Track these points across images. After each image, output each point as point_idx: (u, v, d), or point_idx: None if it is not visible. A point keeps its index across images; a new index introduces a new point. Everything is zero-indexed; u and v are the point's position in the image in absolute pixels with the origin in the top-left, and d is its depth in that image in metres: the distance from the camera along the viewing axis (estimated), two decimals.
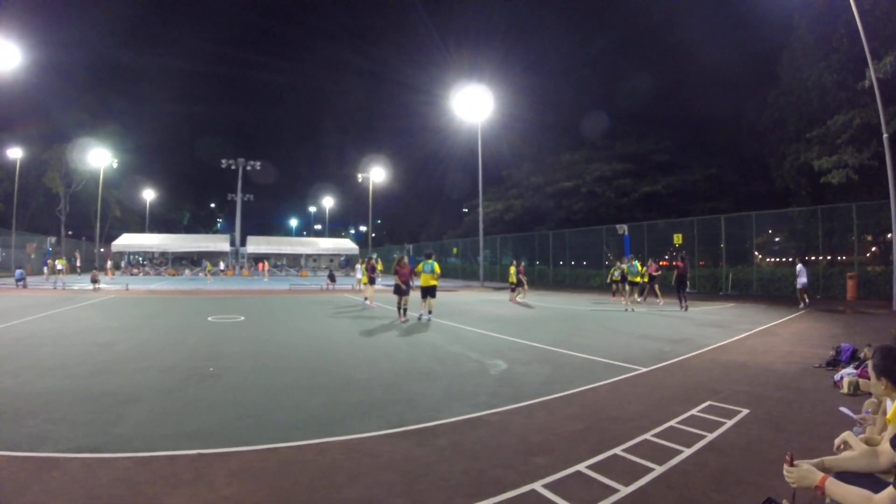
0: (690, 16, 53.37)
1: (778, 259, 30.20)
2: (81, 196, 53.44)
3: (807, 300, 18.11)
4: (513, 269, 21.11)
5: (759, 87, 33.06)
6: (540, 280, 36.19)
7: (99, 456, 3.93)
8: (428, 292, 13.98)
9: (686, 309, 16.63)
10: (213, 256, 51.94)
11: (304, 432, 4.58)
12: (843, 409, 5.04)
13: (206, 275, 39.79)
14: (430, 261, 14.33)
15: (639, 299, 20.93)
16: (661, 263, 18.15)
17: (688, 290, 17.89)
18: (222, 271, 44.38)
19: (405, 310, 13.77)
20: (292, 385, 6.42)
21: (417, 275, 14.48)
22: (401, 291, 13.78)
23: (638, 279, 18.07)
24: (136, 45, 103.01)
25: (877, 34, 19.93)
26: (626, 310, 16.61)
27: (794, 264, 21.06)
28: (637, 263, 18.79)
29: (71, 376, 6.57)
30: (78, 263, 36.23)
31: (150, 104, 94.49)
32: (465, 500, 3.31)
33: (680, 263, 18.23)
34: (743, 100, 36.42)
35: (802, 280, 18.28)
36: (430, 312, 13.86)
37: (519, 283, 20.57)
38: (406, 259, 14.99)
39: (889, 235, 18.51)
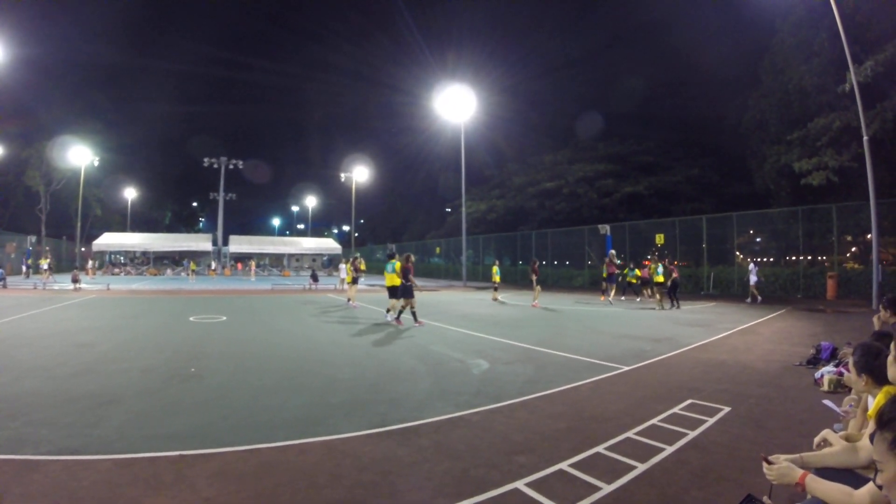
0: (674, 18, 54.10)
1: (759, 259, 30.55)
2: (62, 195, 52.61)
3: (758, 297, 19.67)
4: (496, 269, 21.28)
5: (741, 90, 33.56)
6: (522, 280, 36.32)
7: (80, 458, 3.88)
8: (394, 293, 13.44)
9: (678, 307, 17.26)
10: (195, 256, 51.53)
11: (285, 433, 4.55)
12: (827, 403, 5.11)
13: (188, 274, 39.44)
14: (392, 260, 13.80)
15: (622, 297, 21.31)
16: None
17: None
18: (210, 269, 44.16)
19: (414, 313, 12.90)
20: (274, 385, 6.38)
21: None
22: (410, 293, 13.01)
23: (662, 279, 18.09)
24: (119, 43, 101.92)
25: (858, 39, 20.27)
26: (659, 308, 17.17)
27: (773, 264, 21.68)
28: (661, 266, 18.80)
29: (51, 378, 6.48)
30: (45, 266, 35.61)
31: (133, 102, 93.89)
32: (448, 499, 3.31)
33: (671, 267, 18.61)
34: (725, 102, 36.92)
35: (754, 278, 20.01)
36: (389, 311, 13.45)
37: (538, 282, 19.71)
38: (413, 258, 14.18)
39: (868, 236, 18.81)
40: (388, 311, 13.51)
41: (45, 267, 30.62)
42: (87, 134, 49.23)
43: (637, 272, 22.59)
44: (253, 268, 43.54)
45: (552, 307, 17.93)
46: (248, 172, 62.89)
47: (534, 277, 19.49)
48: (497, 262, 22.30)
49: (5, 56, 30.97)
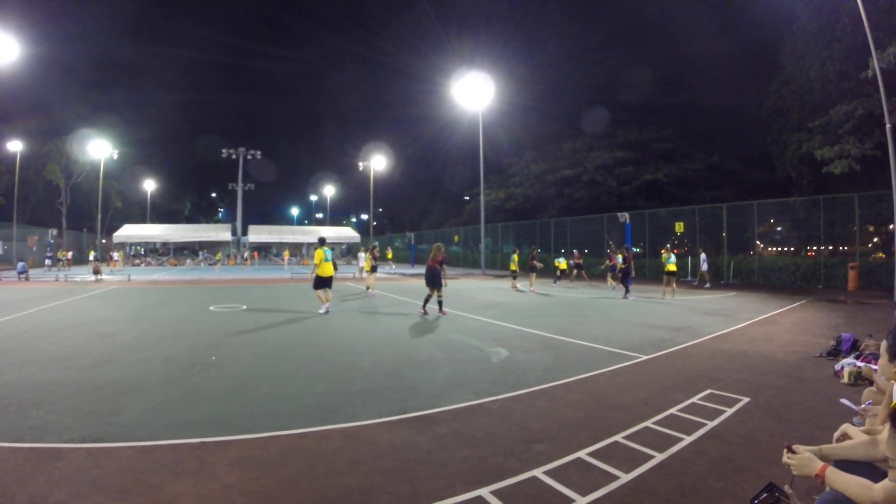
0: (693, 4, 53.18)
1: (780, 248, 30.20)
2: (82, 188, 53.41)
3: (707, 283, 22.57)
4: (516, 258, 21.37)
5: (761, 76, 33.00)
6: (542, 268, 36.24)
7: (102, 446, 3.95)
8: (327, 283, 12.92)
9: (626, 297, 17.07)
10: (215, 246, 52.16)
11: (304, 420, 4.60)
12: (844, 401, 5.05)
13: (215, 264, 40.17)
14: (326, 247, 13.06)
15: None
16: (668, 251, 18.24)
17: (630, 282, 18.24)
18: (229, 258, 45.00)
19: (440, 302, 12.44)
20: (294, 373, 6.45)
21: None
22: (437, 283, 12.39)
23: (673, 267, 17.80)
24: (135, 37, 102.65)
25: (880, 24, 19.81)
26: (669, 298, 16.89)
27: (794, 253, 21.84)
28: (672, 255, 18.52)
29: (73, 367, 6.60)
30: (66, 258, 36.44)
31: (150, 95, 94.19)
32: (466, 487, 3.32)
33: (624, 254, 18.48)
34: (745, 89, 36.32)
35: (705, 266, 23.18)
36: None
37: (532, 269, 20.47)
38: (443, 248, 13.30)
39: (891, 226, 18.52)
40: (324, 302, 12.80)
41: (67, 258, 31.34)
42: (106, 127, 49.90)
43: (606, 261, 23.94)
44: (286, 257, 45.40)
45: (570, 294, 17.86)
46: (265, 163, 63.20)
47: (534, 264, 20.35)
48: (517, 251, 22.40)
49: (24, 53, 31.38)
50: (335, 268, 13.26)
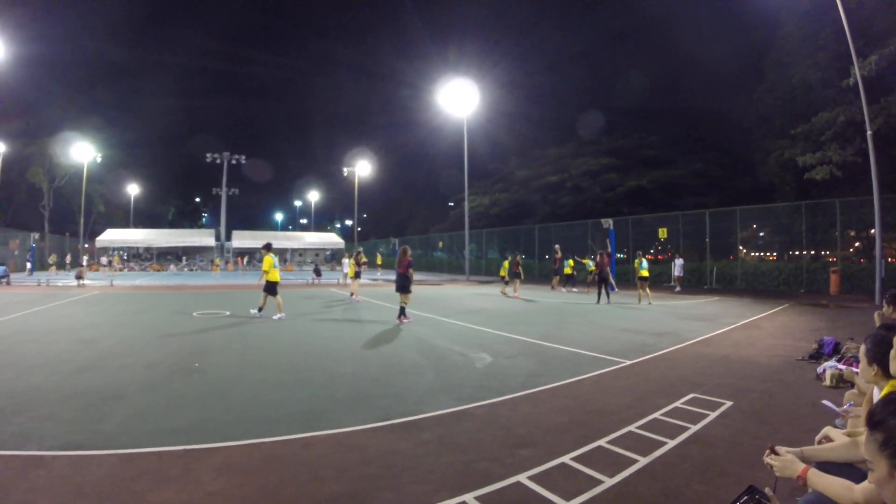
0: (678, 13, 53.75)
1: (763, 253, 30.53)
2: (65, 191, 52.70)
3: (678, 288, 23.61)
4: (507, 264, 21.45)
5: (745, 84, 33.47)
6: (526, 274, 36.28)
7: (85, 453, 3.91)
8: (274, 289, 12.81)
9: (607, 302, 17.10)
10: (199, 251, 51.74)
11: (289, 427, 4.57)
12: (826, 403, 5.10)
13: (213, 269, 40.24)
14: (272, 253, 13.13)
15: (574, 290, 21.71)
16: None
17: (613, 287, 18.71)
18: (212, 263, 44.85)
19: (402, 308, 12.12)
20: (278, 380, 6.42)
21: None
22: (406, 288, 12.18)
23: (646, 273, 17.77)
24: (120, 39, 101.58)
25: (862, 33, 20.14)
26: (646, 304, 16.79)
27: (777, 258, 22.33)
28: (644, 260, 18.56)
29: (56, 373, 6.52)
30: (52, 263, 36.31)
31: (135, 98, 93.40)
32: (451, 492, 3.33)
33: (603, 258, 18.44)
34: (729, 96, 36.90)
35: (679, 272, 24.59)
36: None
37: (516, 276, 20.61)
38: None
39: (872, 231, 18.76)
40: (259, 309, 12.85)
41: (52, 264, 31.10)
42: (90, 130, 49.28)
43: (570, 262, 24.61)
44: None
45: (555, 300, 17.92)
46: (250, 167, 62.96)
47: (518, 271, 20.59)
48: (508, 259, 22.50)
49: (7, 54, 30.98)
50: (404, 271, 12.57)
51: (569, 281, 24.53)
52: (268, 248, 13.33)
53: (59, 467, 3.64)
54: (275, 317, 12.40)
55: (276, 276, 12.88)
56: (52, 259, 36.14)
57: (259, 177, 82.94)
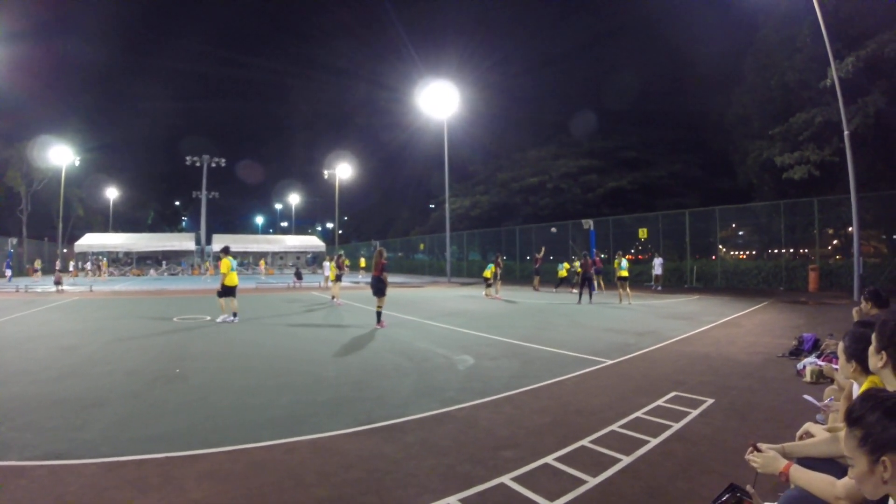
0: (658, 16, 54.29)
1: (742, 252, 30.90)
2: (43, 195, 51.70)
3: (659, 287, 24.36)
4: (493, 267, 21.40)
5: (724, 86, 33.85)
6: (507, 275, 36.38)
7: (65, 463, 3.85)
8: (233, 292, 12.83)
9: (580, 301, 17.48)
10: (179, 256, 51.19)
11: (271, 432, 4.55)
12: (807, 397, 5.17)
13: (201, 273, 39.91)
14: (230, 256, 13.11)
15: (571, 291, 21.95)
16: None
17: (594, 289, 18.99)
18: (193, 268, 44.44)
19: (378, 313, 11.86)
20: (259, 385, 6.37)
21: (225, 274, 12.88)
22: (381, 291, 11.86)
23: (625, 273, 17.88)
24: (100, 42, 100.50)
25: (839, 35, 20.46)
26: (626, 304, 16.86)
27: (756, 257, 22.69)
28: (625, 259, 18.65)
29: (35, 382, 6.42)
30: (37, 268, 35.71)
31: (114, 101, 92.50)
32: (435, 495, 3.33)
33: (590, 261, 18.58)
34: (709, 98, 37.24)
35: (658, 271, 24.95)
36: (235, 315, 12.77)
37: (495, 277, 20.70)
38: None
39: (850, 229, 19.08)
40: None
41: (37, 269, 30.79)
42: (69, 133, 48.41)
43: (566, 265, 25.43)
44: (262, 266, 45.67)
45: (536, 301, 17.99)
46: (230, 170, 62.44)
47: (497, 272, 20.75)
48: (494, 260, 22.58)
49: None
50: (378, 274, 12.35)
51: (561, 284, 24.83)
52: (226, 251, 13.35)
53: (40, 477, 3.59)
54: (218, 319, 12.50)
55: (234, 279, 12.87)
56: (37, 264, 35.61)
57: (240, 180, 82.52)
